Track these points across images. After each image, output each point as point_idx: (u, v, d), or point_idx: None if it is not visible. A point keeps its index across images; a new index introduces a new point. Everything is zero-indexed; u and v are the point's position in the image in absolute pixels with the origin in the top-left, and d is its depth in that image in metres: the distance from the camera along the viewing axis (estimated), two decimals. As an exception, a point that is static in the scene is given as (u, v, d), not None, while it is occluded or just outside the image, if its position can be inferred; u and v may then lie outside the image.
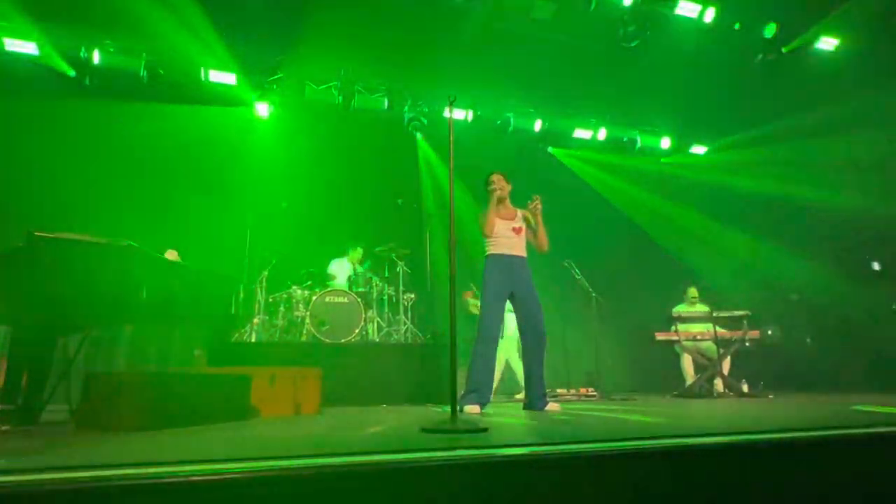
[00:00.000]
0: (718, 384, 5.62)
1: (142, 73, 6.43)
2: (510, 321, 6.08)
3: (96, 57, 6.28)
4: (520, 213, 3.70)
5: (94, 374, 2.38)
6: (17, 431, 2.24)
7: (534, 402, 3.43)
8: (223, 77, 6.77)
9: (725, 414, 2.79)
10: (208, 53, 6.59)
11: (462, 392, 3.13)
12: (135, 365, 6.04)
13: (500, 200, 3.63)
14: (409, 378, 4.72)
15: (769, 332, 5.80)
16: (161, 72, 6.52)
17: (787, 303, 7.00)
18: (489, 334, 3.43)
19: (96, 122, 6.31)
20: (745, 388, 5.44)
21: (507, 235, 3.57)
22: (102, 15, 5.97)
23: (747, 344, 5.63)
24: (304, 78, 7.05)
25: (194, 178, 6.64)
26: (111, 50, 6.34)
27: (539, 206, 3.63)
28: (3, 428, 2.22)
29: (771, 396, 5.09)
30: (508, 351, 5.95)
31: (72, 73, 6.32)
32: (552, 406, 3.41)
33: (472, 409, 3.17)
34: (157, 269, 2.93)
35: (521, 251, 3.62)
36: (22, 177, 5.94)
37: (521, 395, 5.67)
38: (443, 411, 3.29)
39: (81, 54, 6.27)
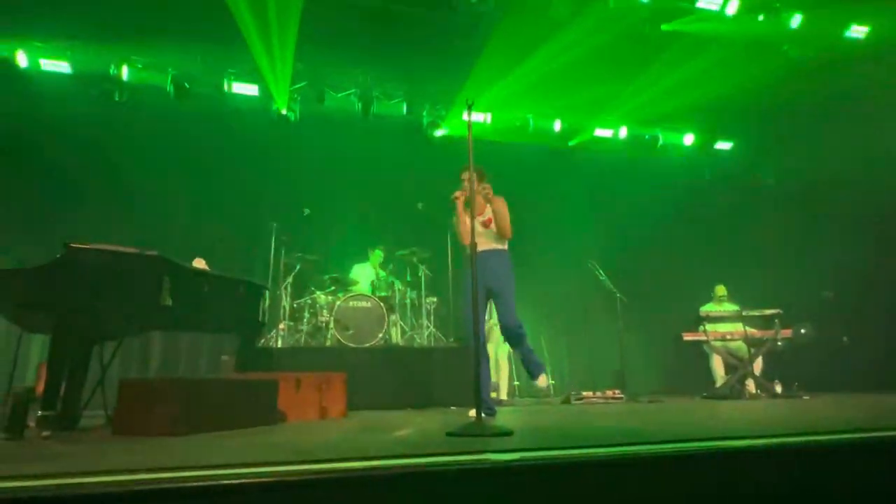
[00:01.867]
0: (750, 385, 5.48)
1: (169, 88, 6.63)
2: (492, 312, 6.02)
3: (125, 73, 6.51)
4: (487, 206, 3.55)
5: (128, 380, 2.45)
6: (58, 437, 2.32)
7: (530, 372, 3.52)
8: (246, 88, 6.93)
9: (760, 415, 2.71)
10: (231, 66, 6.78)
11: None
12: (165, 371, 6.22)
13: (464, 206, 3.47)
14: (433, 381, 4.73)
15: (802, 331, 5.62)
16: (187, 85, 6.71)
17: (821, 301, 6.77)
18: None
19: (126, 135, 6.52)
20: (778, 388, 5.29)
21: (479, 232, 3.41)
22: (130, 34, 6.18)
23: (779, 343, 5.47)
24: (324, 86, 7.16)
25: (219, 187, 6.80)
26: (139, 66, 6.56)
27: (488, 191, 3.48)
28: (45, 433, 2.31)
29: (806, 397, 4.93)
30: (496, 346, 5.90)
31: (103, 89, 6.56)
32: (541, 380, 3.47)
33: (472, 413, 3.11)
34: (186, 277, 3.01)
35: (493, 243, 3.52)
36: (58, 190, 6.18)
37: (550, 399, 5.63)
38: (467, 414, 3.28)
39: (111, 71, 6.50)
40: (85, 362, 2.90)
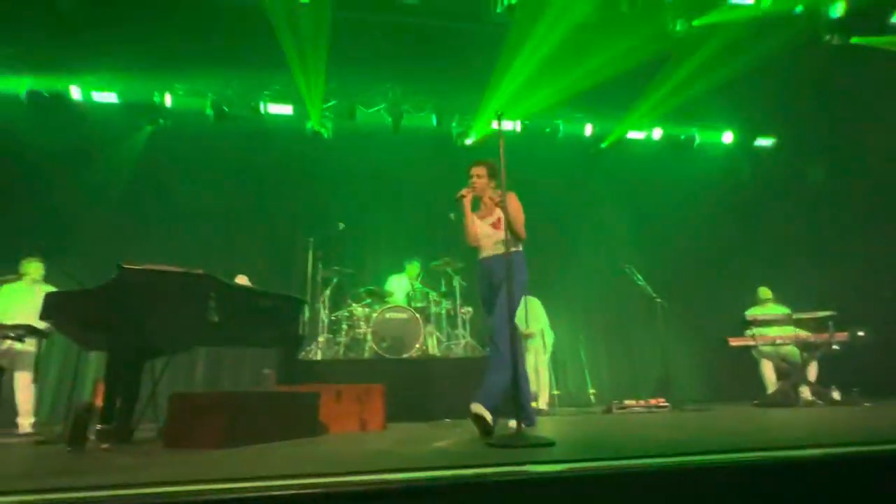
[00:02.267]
0: (805, 392, 5.21)
1: (208, 111, 6.94)
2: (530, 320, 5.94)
3: (168, 100, 6.87)
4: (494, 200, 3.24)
5: (179, 395, 2.55)
6: (116, 449, 2.44)
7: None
8: (281, 108, 7.19)
9: (819, 424, 2.58)
10: (266, 88, 7.06)
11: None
12: (210, 385, 6.43)
13: (479, 201, 3.22)
14: (470, 392, 4.70)
15: (859, 334, 5.30)
16: (225, 108, 7.01)
17: (880, 301, 6.38)
18: (499, 354, 2.93)
19: (170, 159, 6.87)
20: (836, 395, 5.01)
21: (488, 234, 3.16)
22: (173, 63, 6.54)
23: (835, 347, 5.18)
24: (355, 102, 7.34)
25: (257, 205, 7.05)
26: (181, 93, 6.91)
27: (498, 198, 3.06)
28: (104, 446, 2.42)
29: (867, 404, 4.65)
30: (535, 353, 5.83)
31: (148, 116, 6.94)
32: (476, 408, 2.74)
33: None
34: (230, 294, 3.12)
35: (500, 247, 3.02)
36: (109, 213, 6.54)
37: (594, 408, 5.50)
38: (507, 425, 3.24)
39: (156, 99, 6.86)
40: (138, 377, 3.04)
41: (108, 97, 6.70)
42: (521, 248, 3.15)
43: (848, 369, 5.57)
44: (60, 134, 6.51)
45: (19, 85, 6.37)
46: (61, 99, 6.50)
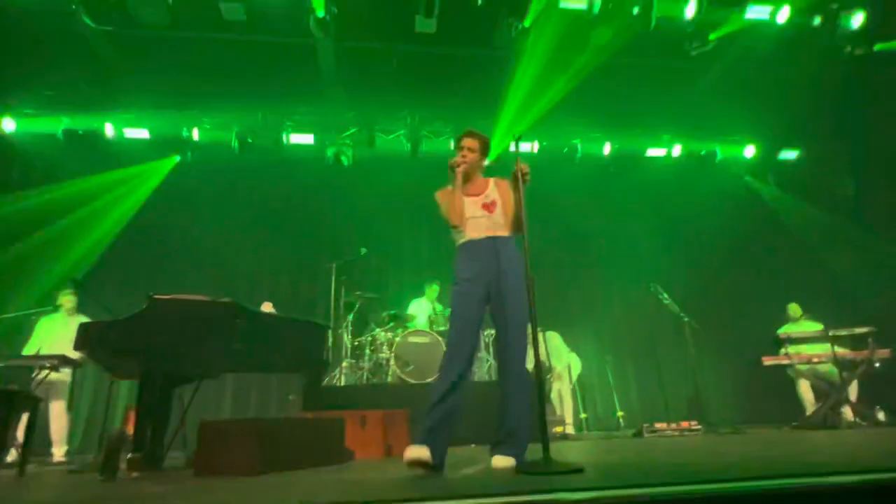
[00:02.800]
0: (847, 412, 4.97)
1: (233, 143, 7.18)
2: (552, 357, 5.86)
3: (195, 134, 7.13)
4: (492, 182, 2.73)
5: (208, 423, 2.58)
6: (146, 477, 2.47)
7: (503, 442, 2.36)
8: (302, 138, 7.39)
9: (865, 447, 2.46)
10: (288, 119, 7.29)
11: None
12: (237, 411, 6.48)
13: (468, 177, 2.69)
14: (495, 415, 4.63)
15: (902, 350, 5.07)
16: (249, 140, 7.24)
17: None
18: (451, 344, 2.42)
19: (196, 190, 7.10)
20: (881, 416, 4.77)
21: (477, 215, 2.61)
22: (199, 99, 6.83)
23: (877, 365, 4.96)
24: (374, 130, 7.50)
25: (281, 233, 7.21)
26: (207, 127, 7.17)
27: (527, 173, 2.50)
28: (135, 474, 2.46)
29: (915, 425, 4.42)
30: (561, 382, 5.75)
31: (176, 150, 7.24)
32: (502, 461, 2.26)
33: (413, 451, 2.11)
34: (256, 321, 3.17)
35: (502, 230, 2.60)
36: (140, 245, 6.77)
37: (624, 431, 5.36)
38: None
39: (184, 134, 7.14)
40: (168, 404, 3.09)
41: (139, 133, 7.00)
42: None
43: (892, 388, 5.32)
44: (94, 168, 6.82)
45: (57, 124, 6.72)
46: (95, 136, 6.81)
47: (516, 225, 2.59)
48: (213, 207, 6.99)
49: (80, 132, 6.76)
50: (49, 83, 6.41)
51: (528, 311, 2.35)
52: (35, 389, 3.93)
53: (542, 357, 5.47)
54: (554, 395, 5.82)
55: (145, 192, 7.08)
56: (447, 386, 2.32)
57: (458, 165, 2.63)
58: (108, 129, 6.84)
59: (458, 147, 2.74)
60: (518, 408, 2.39)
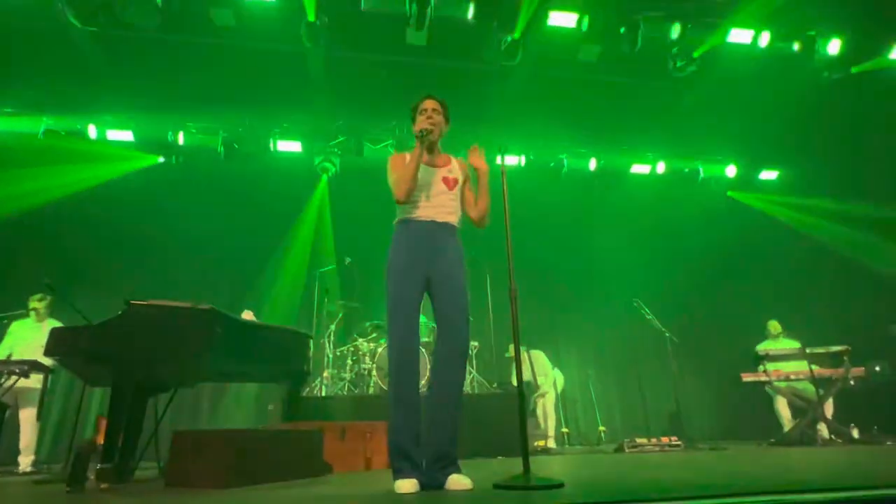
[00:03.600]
0: (823, 430, 5.05)
1: (219, 149, 7.11)
2: (538, 376, 5.87)
3: (181, 138, 7.05)
4: (455, 161, 2.46)
5: (181, 433, 2.51)
6: (115, 489, 2.38)
7: (432, 465, 2.03)
8: (289, 146, 7.35)
9: (840, 464, 2.49)
10: (276, 126, 7.24)
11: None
12: (215, 421, 6.33)
13: (431, 147, 2.40)
14: (478, 430, 4.60)
15: (877, 369, 5.17)
16: (236, 146, 7.17)
17: (889, 335, 6.27)
18: (402, 347, 2.16)
19: (181, 195, 6.99)
20: (855, 433, 4.85)
21: (437, 190, 2.30)
22: (186, 103, 6.76)
23: (851, 383, 5.05)
24: (362, 139, 7.49)
25: (265, 240, 7.12)
26: (193, 131, 7.09)
27: (482, 157, 2.39)
28: (103, 486, 2.37)
29: (889, 443, 4.49)
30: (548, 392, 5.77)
31: (161, 153, 7.13)
32: (458, 482, 1.96)
33: (403, 485, 1.92)
34: (236, 329, 3.11)
35: (452, 216, 2.32)
36: (118, 249, 6.62)
37: (605, 446, 5.36)
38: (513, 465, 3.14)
39: (169, 137, 7.05)
40: (142, 414, 3.00)
41: (123, 135, 6.90)
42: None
43: (866, 406, 5.42)
44: (75, 170, 6.68)
45: (37, 124, 6.58)
46: (77, 137, 6.69)
47: (480, 215, 2.38)
48: (196, 213, 6.88)
49: (63, 133, 6.64)
50: (31, 82, 6.28)
51: (467, 313, 2.23)
52: (2, 396, 3.80)
53: (528, 376, 5.48)
54: (539, 412, 5.82)
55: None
56: (413, 400, 2.11)
57: (429, 132, 2.29)
58: (92, 131, 6.73)
59: (421, 111, 2.39)
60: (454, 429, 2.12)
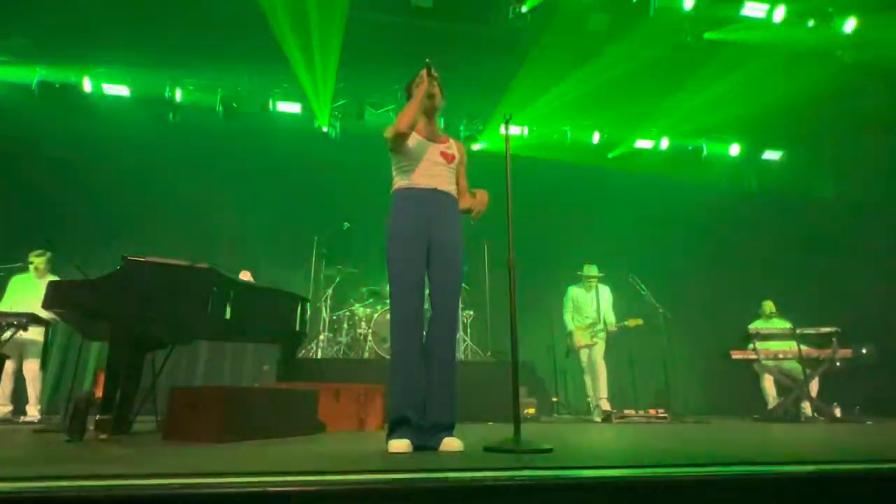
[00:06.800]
0: (806, 408, 5.18)
1: (218, 108, 6.98)
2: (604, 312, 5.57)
3: (178, 95, 6.91)
4: (453, 141, 2.50)
5: (179, 389, 2.55)
6: (113, 440, 2.44)
7: (427, 430, 2.10)
8: (289, 107, 7.22)
9: (821, 440, 2.56)
10: (276, 86, 7.09)
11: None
12: (211, 379, 6.44)
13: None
14: (470, 395, 4.67)
15: (863, 351, 5.26)
16: (234, 105, 7.04)
17: (881, 319, 6.34)
18: (402, 314, 2.16)
19: (179, 154, 6.90)
20: (837, 412, 4.97)
21: (433, 160, 2.35)
22: (184, 58, 6.58)
23: (838, 364, 5.15)
24: (364, 103, 7.36)
25: (263, 203, 7.07)
26: (191, 88, 6.95)
27: (485, 200, 2.41)
28: (102, 436, 2.43)
29: (869, 422, 4.61)
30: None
31: (157, 110, 6.99)
32: (450, 444, 2.05)
33: (396, 444, 1.97)
34: (233, 289, 3.13)
35: (451, 186, 2.37)
36: (117, 206, 6.57)
37: (593, 416, 5.48)
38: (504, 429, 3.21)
39: (166, 93, 6.90)
40: (139, 369, 3.05)
41: (119, 90, 6.75)
42: None
43: (851, 386, 5.53)
44: (70, 125, 6.56)
45: (31, 75, 6.43)
46: (72, 90, 6.55)
47: (463, 209, 2.43)
48: (195, 171, 6.80)
49: (57, 85, 6.49)
50: (25, 31, 6.09)
51: (461, 280, 2.31)
52: (2, 348, 3.84)
53: (594, 314, 5.32)
54: (585, 365, 5.52)
55: (126, 152, 6.84)
56: (414, 366, 2.12)
57: (434, 96, 2.38)
58: (87, 84, 6.59)
59: (431, 76, 2.40)
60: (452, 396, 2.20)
